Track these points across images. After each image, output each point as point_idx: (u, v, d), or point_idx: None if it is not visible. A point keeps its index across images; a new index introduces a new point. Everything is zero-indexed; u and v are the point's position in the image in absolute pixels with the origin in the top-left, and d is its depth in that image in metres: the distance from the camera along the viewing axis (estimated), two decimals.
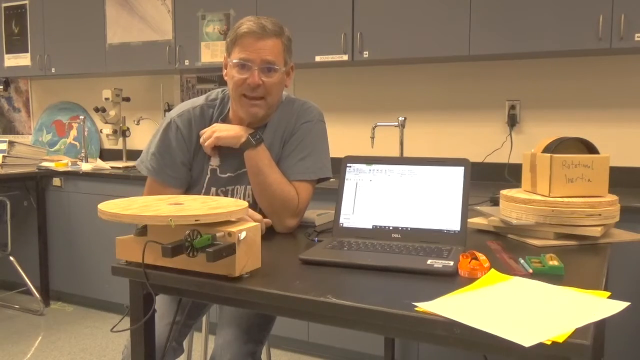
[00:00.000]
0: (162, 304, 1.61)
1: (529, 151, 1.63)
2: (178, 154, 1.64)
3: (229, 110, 1.66)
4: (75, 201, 3.59)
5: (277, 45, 1.55)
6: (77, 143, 4.40)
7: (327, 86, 3.48)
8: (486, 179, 3.03)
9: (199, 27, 3.42)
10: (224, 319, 1.65)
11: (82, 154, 4.01)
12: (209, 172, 1.66)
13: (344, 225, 1.43)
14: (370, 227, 1.41)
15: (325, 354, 2.89)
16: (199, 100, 1.68)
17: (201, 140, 1.61)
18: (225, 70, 1.60)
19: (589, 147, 1.57)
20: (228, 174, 1.66)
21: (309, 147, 1.64)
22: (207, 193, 1.67)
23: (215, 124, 1.62)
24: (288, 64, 1.61)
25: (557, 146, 1.54)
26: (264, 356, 2.08)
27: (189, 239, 1.08)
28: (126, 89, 4.12)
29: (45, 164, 3.69)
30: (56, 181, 3.64)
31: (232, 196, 1.66)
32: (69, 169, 3.63)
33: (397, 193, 1.41)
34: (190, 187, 1.69)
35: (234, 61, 1.54)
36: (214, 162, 1.65)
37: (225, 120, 1.66)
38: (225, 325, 1.62)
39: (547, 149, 1.55)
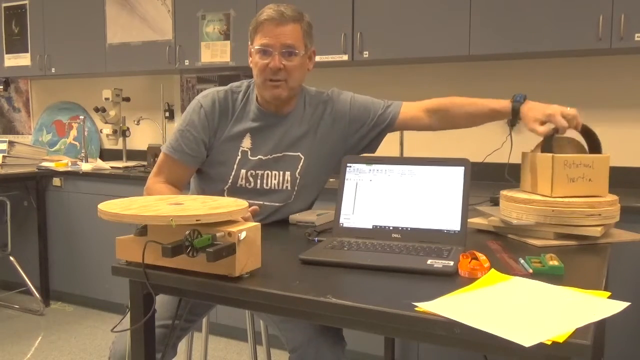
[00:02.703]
0: (158, 307, 1.61)
1: (527, 151, 1.63)
2: (199, 131, 1.69)
3: (255, 96, 1.73)
4: (75, 201, 3.59)
5: (297, 30, 1.62)
6: (77, 143, 4.40)
7: (327, 86, 3.46)
8: (486, 179, 3.02)
9: (199, 27, 3.42)
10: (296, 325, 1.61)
11: (82, 154, 4.01)
12: (239, 154, 1.71)
13: (344, 225, 1.43)
14: (370, 227, 1.41)
15: None
16: (225, 86, 1.76)
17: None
18: (250, 58, 1.68)
19: (583, 143, 1.57)
20: (259, 157, 1.71)
21: (367, 99, 1.81)
22: (236, 174, 1.70)
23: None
24: (309, 48, 1.69)
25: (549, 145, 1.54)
26: (264, 356, 2.08)
27: (189, 239, 1.08)
28: (126, 89, 4.12)
29: (45, 164, 3.69)
30: (56, 181, 3.64)
31: (262, 181, 1.71)
32: (69, 169, 3.63)
33: (397, 193, 1.41)
34: (218, 168, 1.72)
35: (256, 47, 1.62)
36: (246, 143, 1.71)
37: (248, 104, 1.73)
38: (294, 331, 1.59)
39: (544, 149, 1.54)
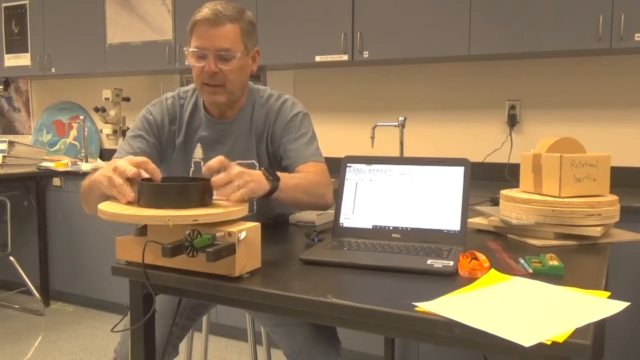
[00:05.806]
0: (159, 306, 1.61)
1: (528, 151, 1.63)
2: (150, 138, 1.64)
3: (202, 101, 1.67)
4: (75, 201, 3.59)
5: (234, 30, 1.52)
6: (77, 143, 4.40)
7: (327, 86, 3.47)
8: (486, 179, 3.02)
9: None
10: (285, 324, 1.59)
11: (82, 154, 4.01)
12: (192, 165, 1.67)
13: (344, 225, 1.43)
14: (370, 227, 1.41)
15: None
16: (172, 92, 1.72)
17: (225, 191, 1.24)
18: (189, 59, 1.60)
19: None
20: None
21: (309, 134, 1.67)
22: None
23: (237, 168, 1.28)
24: (250, 49, 1.59)
25: (551, 147, 1.54)
26: (264, 356, 2.08)
27: (189, 239, 1.08)
28: (126, 89, 4.12)
29: (45, 164, 3.69)
30: (56, 181, 3.64)
31: None
32: (69, 169, 3.63)
33: (397, 193, 1.41)
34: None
35: (191, 50, 1.53)
36: (198, 154, 1.67)
37: (197, 111, 1.67)
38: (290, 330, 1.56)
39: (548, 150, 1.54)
